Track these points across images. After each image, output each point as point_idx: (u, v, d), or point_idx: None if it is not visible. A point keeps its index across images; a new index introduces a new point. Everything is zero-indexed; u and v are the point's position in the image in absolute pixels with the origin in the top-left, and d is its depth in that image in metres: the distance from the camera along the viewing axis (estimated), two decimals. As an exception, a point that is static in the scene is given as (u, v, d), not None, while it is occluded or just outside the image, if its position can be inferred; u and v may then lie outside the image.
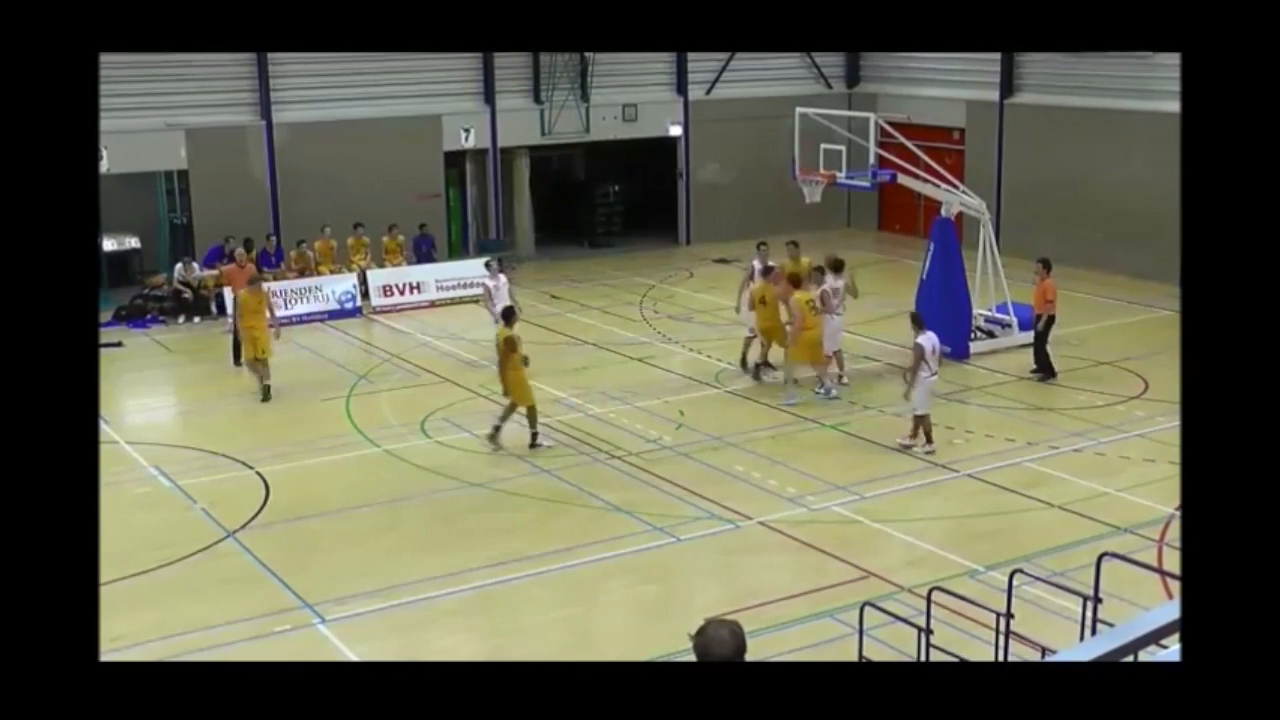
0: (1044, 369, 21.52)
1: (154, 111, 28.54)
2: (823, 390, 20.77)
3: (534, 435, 18.70)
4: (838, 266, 22.10)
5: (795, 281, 20.92)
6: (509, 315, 19.18)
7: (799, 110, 25.07)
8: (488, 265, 23.98)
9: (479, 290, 24.61)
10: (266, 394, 21.37)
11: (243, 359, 21.76)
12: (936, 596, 11.43)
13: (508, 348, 18.49)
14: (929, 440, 18.11)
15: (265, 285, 26.94)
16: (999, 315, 23.89)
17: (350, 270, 28.68)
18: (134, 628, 12.90)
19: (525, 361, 18.66)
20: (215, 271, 27.56)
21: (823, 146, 24.69)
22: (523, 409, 18.67)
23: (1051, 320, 21.69)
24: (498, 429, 18.62)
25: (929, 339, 18.25)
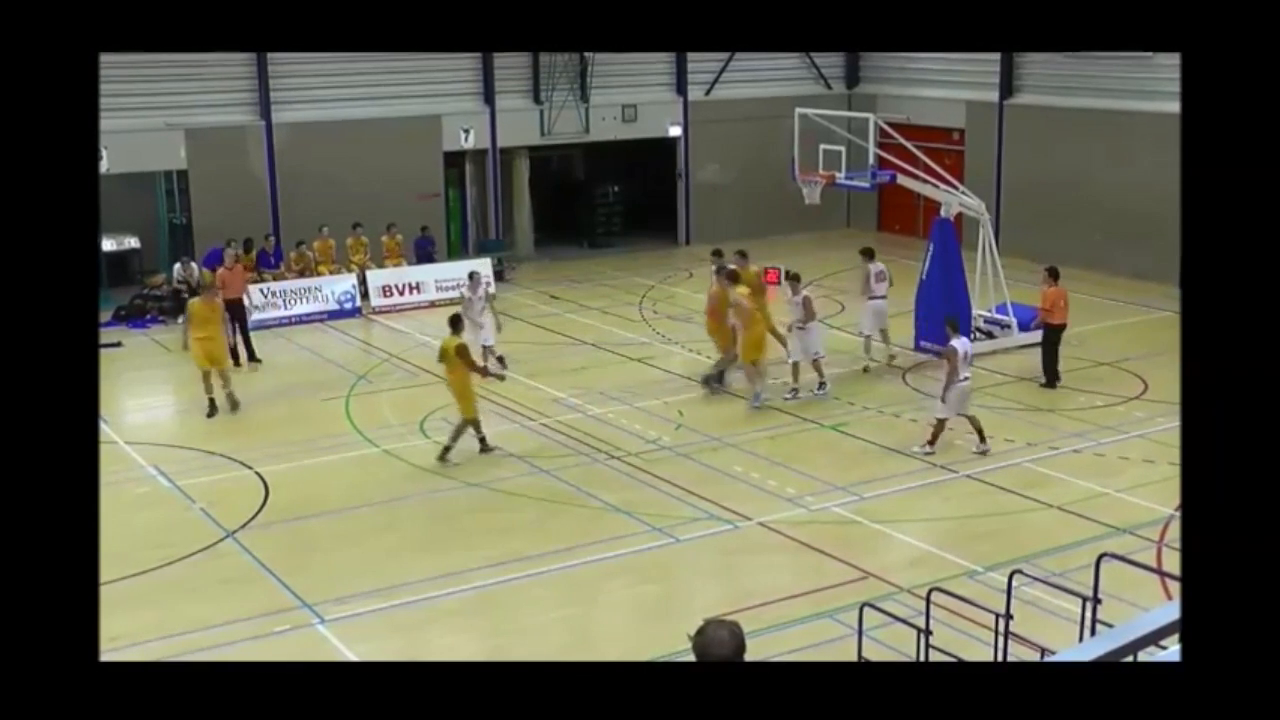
0: (1047, 376, 21.30)
1: (154, 111, 28.53)
2: (757, 400, 20.38)
3: (446, 449, 18.19)
4: (870, 253, 22.78)
5: (733, 277, 20.85)
6: (456, 323, 18.70)
7: (798, 111, 25.08)
8: (471, 275, 23.77)
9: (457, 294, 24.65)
10: (232, 404, 20.59)
11: (198, 368, 20.52)
12: (936, 597, 11.43)
13: (460, 356, 18.09)
14: (932, 442, 18.04)
15: (266, 285, 27.23)
16: (998, 316, 23.90)
17: (349, 270, 28.69)
18: (133, 628, 12.90)
19: (484, 371, 18.73)
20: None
21: (822, 147, 24.70)
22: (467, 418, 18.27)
23: (1054, 329, 21.29)
24: (482, 440, 18.42)
25: (963, 343, 18.18)
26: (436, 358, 18.82)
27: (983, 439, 18.16)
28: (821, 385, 20.90)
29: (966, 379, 18.14)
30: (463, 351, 18.23)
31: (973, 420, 18.23)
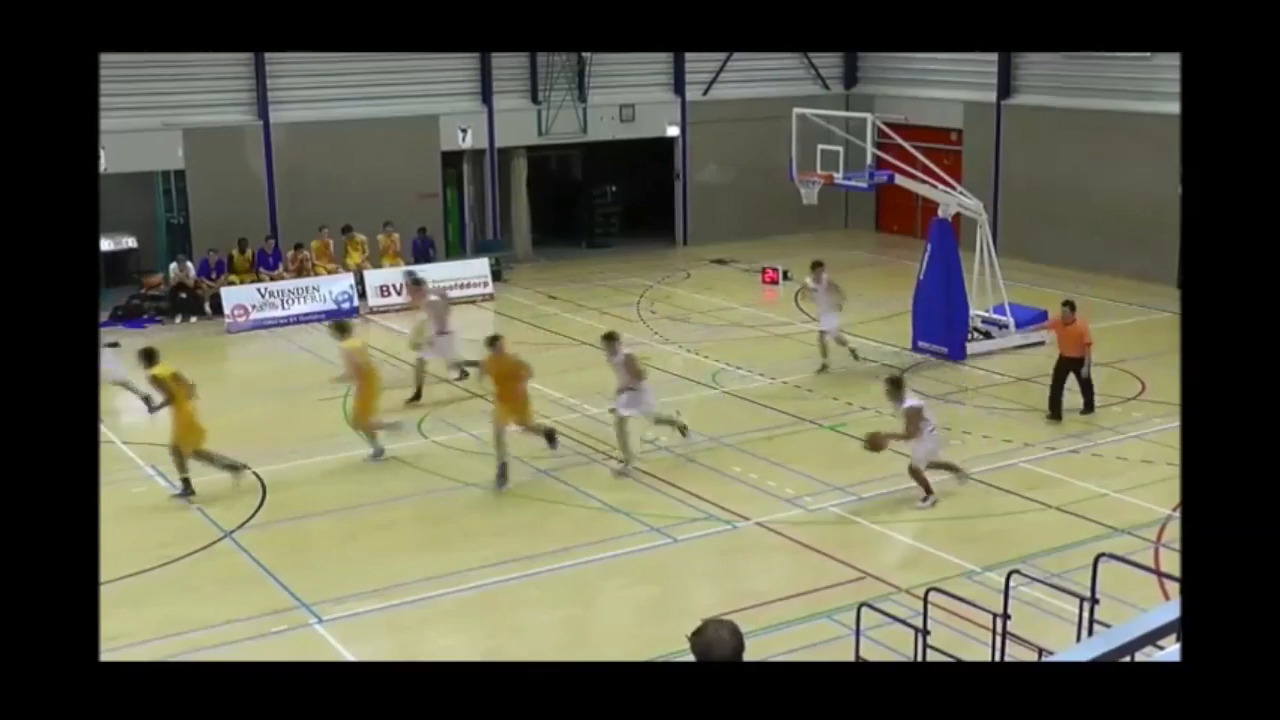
0: (1087, 404, 19.74)
1: (151, 111, 28.51)
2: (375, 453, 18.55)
3: (185, 482, 17.09)
4: (816, 266, 22.34)
5: (342, 330, 19.29)
6: (151, 356, 17.52)
7: (796, 111, 25.07)
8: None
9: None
10: None
11: None
12: (934, 597, 11.43)
13: (176, 384, 17.08)
14: (928, 492, 16.39)
15: (264, 285, 27.24)
16: (996, 316, 23.91)
17: (348, 270, 28.69)
18: (132, 627, 12.88)
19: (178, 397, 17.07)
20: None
21: (820, 147, 24.70)
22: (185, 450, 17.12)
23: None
24: (229, 467, 17.37)
25: (916, 399, 16.69)
26: (166, 399, 17.34)
27: (958, 471, 16.77)
28: (684, 431, 18.63)
29: (934, 429, 16.57)
30: (178, 380, 17.21)
31: (947, 465, 16.78)
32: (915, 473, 16.44)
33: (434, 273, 29.02)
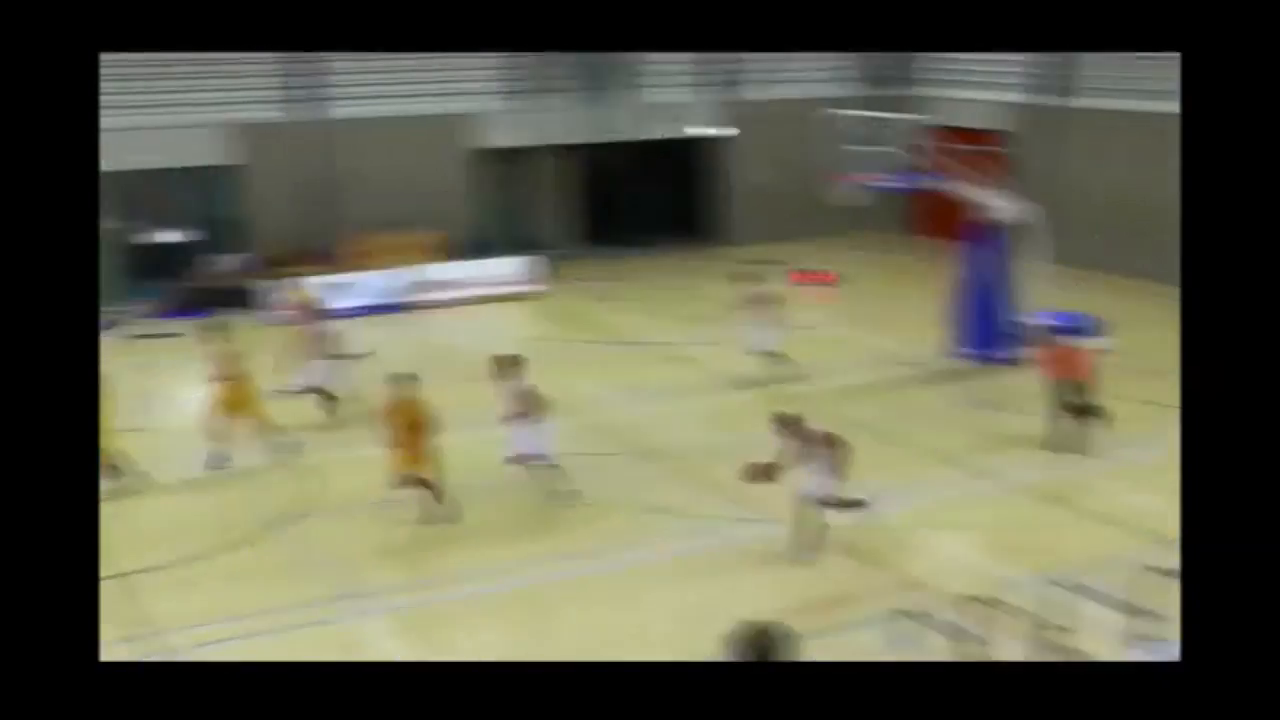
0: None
1: (203, 108, 29.17)
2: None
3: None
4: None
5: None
6: None
7: (841, 112, 24.98)
8: None
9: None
10: None
11: None
12: (973, 606, 11.36)
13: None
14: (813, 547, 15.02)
15: (312, 279, 27.49)
16: (1038, 322, 23.68)
17: (397, 266, 29.01)
18: (177, 613, 13.10)
19: None
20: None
21: (863, 148, 24.59)
22: None
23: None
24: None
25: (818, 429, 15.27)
26: None
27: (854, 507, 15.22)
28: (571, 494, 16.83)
29: (824, 465, 15.05)
30: None
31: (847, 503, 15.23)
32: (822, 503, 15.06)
33: (475, 271, 29.35)
